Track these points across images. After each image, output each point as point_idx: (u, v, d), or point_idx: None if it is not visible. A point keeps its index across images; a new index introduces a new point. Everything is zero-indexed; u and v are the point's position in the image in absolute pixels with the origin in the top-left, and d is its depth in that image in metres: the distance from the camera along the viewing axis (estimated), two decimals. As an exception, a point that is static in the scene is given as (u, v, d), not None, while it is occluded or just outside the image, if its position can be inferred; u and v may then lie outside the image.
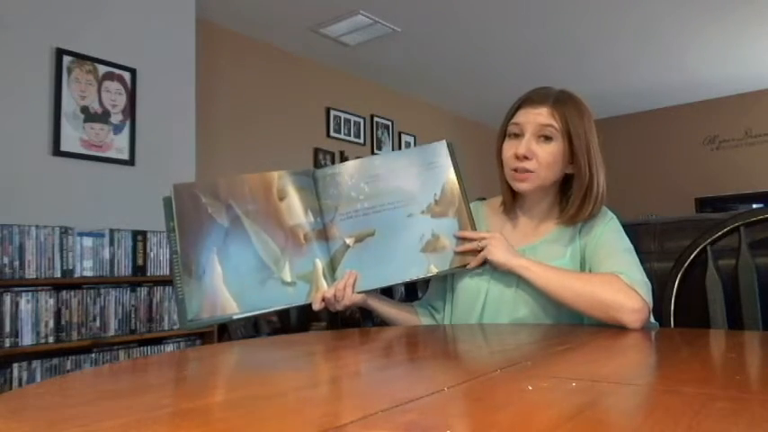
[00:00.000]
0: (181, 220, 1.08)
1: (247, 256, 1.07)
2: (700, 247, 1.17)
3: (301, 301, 1.08)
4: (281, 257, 1.08)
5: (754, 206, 4.89)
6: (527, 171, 1.09)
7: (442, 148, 1.16)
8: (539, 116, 1.08)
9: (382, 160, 1.17)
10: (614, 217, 1.14)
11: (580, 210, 1.11)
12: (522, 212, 1.18)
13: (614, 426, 0.44)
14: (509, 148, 1.11)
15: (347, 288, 1.07)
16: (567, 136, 1.08)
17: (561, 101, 1.10)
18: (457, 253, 1.10)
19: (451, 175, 1.14)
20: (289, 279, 1.07)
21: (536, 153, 1.08)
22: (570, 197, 1.12)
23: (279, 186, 1.11)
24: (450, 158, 1.15)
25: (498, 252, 1.06)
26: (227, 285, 1.05)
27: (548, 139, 1.08)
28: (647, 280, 1.02)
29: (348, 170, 1.15)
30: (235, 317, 1.05)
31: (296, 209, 1.11)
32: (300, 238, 1.09)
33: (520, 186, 1.11)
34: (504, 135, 1.14)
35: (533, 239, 1.14)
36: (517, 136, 1.11)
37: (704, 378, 0.60)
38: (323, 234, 1.11)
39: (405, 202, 1.13)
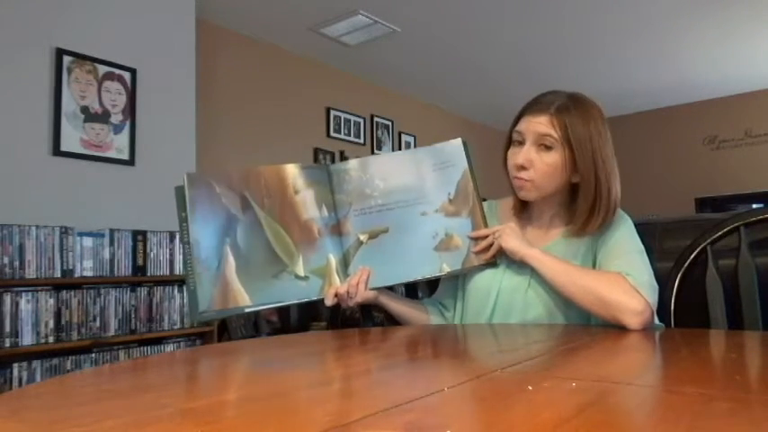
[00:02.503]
0: (194, 209, 1.06)
1: (261, 248, 1.06)
2: (700, 247, 1.17)
3: (314, 296, 1.07)
4: (294, 251, 1.07)
5: (754, 206, 4.89)
6: (525, 181, 1.09)
7: (457, 147, 1.15)
8: (539, 125, 1.06)
9: (397, 158, 1.17)
10: (628, 218, 1.13)
11: (589, 221, 1.07)
12: (534, 217, 1.17)
13: (615, 426, 0.44)
14: (511, 156, 1.10)
15: (360, 284, 1.07)
16: (569, 145, 1.05)
17: (564, 108, 1.06)
18: (473, 253, 1.10)
19: (466, 175, 1.13)
20: (302, 273, 1.07)
21: (534, 163, 1.07)
22: (578, 207, 1.09)
23: (294, 179, 1.10)
24: (465, 158, 1.14)
25: (511, 240, 1.07)
26: (239, 277, 1.04)
27: (548, 148, 1.06)
28: (654, 283, 1.01)
29: (363, 166, 1.14)
30: (247, 309, 1.04)
31: (310, 203, 1.10)
32: (314, 233, 1.09)
33: (520, 195, 1.12)
34: (509, 141, 1.13)
35: (546, 241, 1.13)
36: (520, 144, 1.09)
37: (704, 378, 0.60)
38: (336, 229, 1.11)
39: (419, 200, 1.12)
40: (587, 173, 1.05)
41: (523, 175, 1.08)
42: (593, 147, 1.05)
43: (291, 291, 1.06)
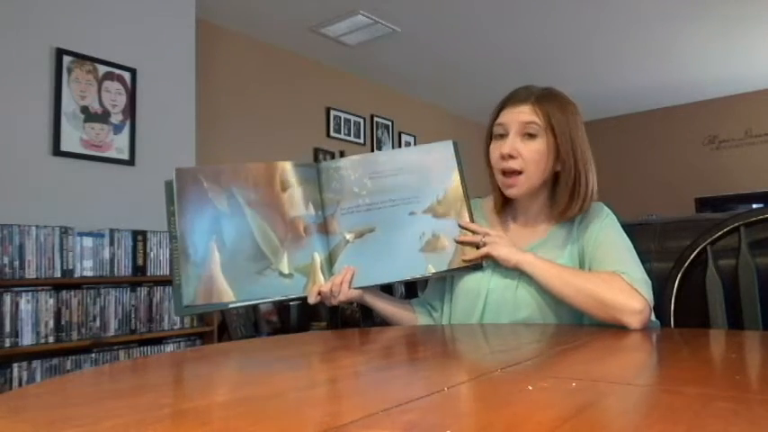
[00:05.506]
0: (181, 204, 1.07)
1: (246, 244, 1.07)
2: (700, 247, 1.17)
3: (298, 294, 1.08)
4: (279, 248, 1.07)
5: (754, 206, 4.89)
6: (515, 172, 1.09)
7: (448, 148, 1.15)
8: (521, 114, 1.08)
9: (387, 156, 1.16)
10: (611, 213, 1.13)
11: (568, 207, 1.10)
12: (517, 214, 1.18)
13: (614, 426, 0.44)
14: (495, 149, 1.12)
15: (344, 284, 1.07)
16: (552, 132, 1.07)
17: (543, 97, 1.10)
18: (458, 242, 1.10)
19: (456, 176, 1.13)
20: (286, 271, 1.07)
21: (521, 152, 1.08)
22: (558, 194, 1.11)
23: (282, 177, 1.11)
24: (455, 159, 1.14)
25: (501, 248, 1.07)
26: (224, 273, 1.05)
27: (532, 136, 1.08)
28: (647, 278, 1.02)
29: (352, 165, 1.14)
30: (231, 305, 1.05)
31: (298, 201, 1.10)
32: (300, 231, 1.09)
33: (510, 192, 1.12)
34: (490, 137, 1.14)
35: (531, 240, 1.13)
36: (502, 136, 1.11)
37: (704, 378, 0.60)
38: (323, 228, 1.11)
39: (407, 200, 1.12)
40: (568, 159, 1.08)
41: (512, 164, 1.09)
42: (572, 135, 1.08)
43: (275, 288, 1.06)
